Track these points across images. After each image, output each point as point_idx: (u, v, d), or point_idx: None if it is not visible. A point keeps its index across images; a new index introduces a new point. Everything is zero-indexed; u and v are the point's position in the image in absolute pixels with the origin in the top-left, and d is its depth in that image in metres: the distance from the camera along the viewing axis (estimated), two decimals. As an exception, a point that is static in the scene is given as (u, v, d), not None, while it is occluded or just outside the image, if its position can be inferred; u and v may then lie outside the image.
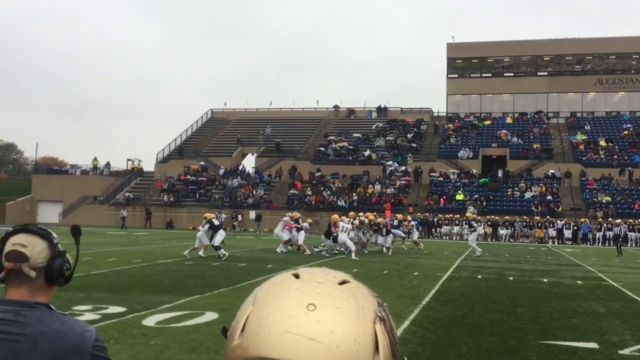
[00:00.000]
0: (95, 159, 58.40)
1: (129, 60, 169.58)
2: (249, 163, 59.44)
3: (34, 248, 2.09)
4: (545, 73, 62.59)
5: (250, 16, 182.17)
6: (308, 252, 24.17)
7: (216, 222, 21.93)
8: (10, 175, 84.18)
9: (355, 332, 0.86)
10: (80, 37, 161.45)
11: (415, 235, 30.71)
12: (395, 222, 30.83)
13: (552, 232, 40.27)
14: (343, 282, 0.93)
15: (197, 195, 51.28)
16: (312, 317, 0.85)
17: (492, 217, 41.91)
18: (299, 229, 25.14)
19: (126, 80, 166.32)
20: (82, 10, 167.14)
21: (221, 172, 54.52)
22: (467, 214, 31.10)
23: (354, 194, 47.66)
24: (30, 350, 1.98)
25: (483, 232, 41.12)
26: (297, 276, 0.93)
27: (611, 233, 37.94)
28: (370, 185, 48.56)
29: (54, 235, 2.17)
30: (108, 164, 59.38)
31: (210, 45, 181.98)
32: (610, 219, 39.78)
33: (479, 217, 38.16)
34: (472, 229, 26.89)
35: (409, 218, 31.50)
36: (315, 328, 0.84)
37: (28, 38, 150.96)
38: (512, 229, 41.15)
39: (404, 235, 29.99)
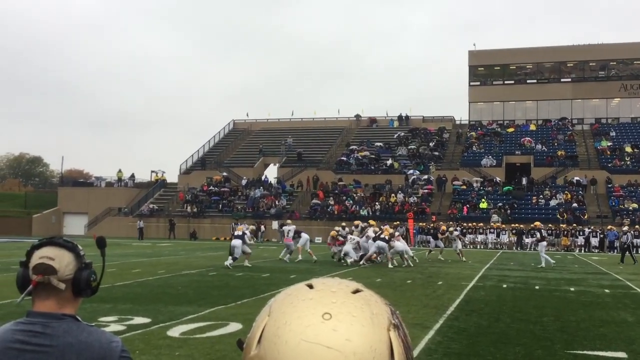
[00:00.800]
0: (119, 171, 59.05)
1: (152, 72, 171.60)
2: (271, 173, 59.73)
3: (62, 260, 2.11)
4: (569, 79, 62.00)
5: (272, 27, 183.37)
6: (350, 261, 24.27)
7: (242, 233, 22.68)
8: (37, 188, 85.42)
9: (370, 339, 0.88)
10: (104, 50, 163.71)
11: (459, 244, 28.66)
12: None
13: (580, 240, 39.73)
14: (356, 291, 0.95)
15: (220, 205, 51.53)
16: (328, 325, 0.87)
17: (517, 225, 41.50)
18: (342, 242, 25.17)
19: (149, 93, 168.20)
20: (105, 24, 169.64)
21: (243, 182, 54.74)
22: (535, 223, 30.03)
23: (376, 203, 47.53)
24: None
25: (508, 240, 40.74)
26: (310, 286, 0.95)
27: (638, 240, 37.36)
28: (393, 194, 48.40)
29: (80, 247, 2.19)
30: (132, 176, 59.99)
31: (232, 56, 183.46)
32: (637, 226, 39.14)
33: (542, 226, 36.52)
34: (540, 239, 26.15)
35: (451, 229, 29.85)
36: (331, 336, 0.86)
37: (52, 52, 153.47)
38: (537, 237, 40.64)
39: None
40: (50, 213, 55.93)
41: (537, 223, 29.31)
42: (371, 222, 27.58)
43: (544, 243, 26.29)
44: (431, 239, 29.30)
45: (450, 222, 34.08)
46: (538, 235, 27.05)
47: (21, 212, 56.64)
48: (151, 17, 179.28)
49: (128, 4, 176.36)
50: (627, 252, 28.70)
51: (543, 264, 24.39)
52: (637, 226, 39.25)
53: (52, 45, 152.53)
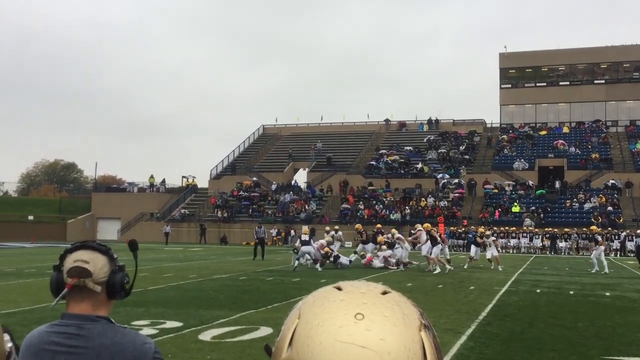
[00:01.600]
0: (151, 176, 59.84)
1: (184, 78, 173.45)
2: (301, 178, 59.85)
3: (96, 264, 2.14)
4: (603, 81, 60.99)
5: (301, 33, 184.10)
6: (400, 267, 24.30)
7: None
8: (71, 194, 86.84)
9: (404, 339, 0.89)
10: (137, 57, 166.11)
11: (494, 252, 25.46)
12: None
13: (615, 245, 39.00)
14: (385, 292, 0.96)
15: (250, 210, 51.79)
16: (361, 325, 0.87)
17: (550, 229, 40.91)
18: (391, 245, 24.83)
19: (181, 99, 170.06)
20: (138, 31, 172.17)
21: (273, 187, 54.96)
22: (592, 227, 28.60)
23: (406, 207, 47.30)
24: None
25: (541, 244, 40.16)
26: (339, 288, 0.96)
27: None
28: (423, 199, 48.11)
29: (113, 250, 2.23)
30: (164, 181, 60.70)
31: (262, 62, 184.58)
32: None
33: (602, 231, 34.99)
34: (597, 245, 24.62)
35: (488, 232, 27.46)
36: (365, 336, 0.86)
37: (86, 59, 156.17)
38: (571, 242, 40.01)
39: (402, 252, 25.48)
40: (84, 218, 56.84)
41: (594, 228, 27.78)
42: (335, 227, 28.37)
43: (602, 247, 24.70)
44: (472, 246, 26.30)
45: (483, 226, 32.77)
46: (593, 242, 25.50)
47: (56, 217, 57.64)
48: (182, 24, 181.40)
49: (160, 11, 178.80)
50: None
51: (605, 269, 23.36)
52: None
53: (87, 53, 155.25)
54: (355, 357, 0.85)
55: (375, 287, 0.97)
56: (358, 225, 29.38)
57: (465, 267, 25.12)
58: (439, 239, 23.46)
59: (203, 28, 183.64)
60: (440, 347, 0.96)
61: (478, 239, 26.07)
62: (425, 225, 24.60)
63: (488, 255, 25.36)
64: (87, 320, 2.11)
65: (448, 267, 23.10)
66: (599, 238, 24.69)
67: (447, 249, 25.79)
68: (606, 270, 23.39)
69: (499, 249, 30.55)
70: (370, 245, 26.02)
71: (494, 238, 26.96)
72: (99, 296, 2.14)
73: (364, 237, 26.84)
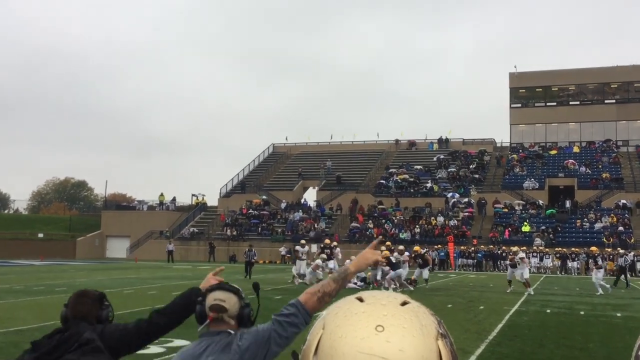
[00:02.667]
0: (161, 194, 59.89)
1: (194, 97, 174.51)
2: (311, 196, 59.85)
3: (230, 302, 2.86)
4: (613, 100, 60.87)
5: (312, 52, 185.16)
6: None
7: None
8: (81, 212, 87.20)
9: (421, 349, 0.95)
10: (147, 76, 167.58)
11: (525, 273, 23.14)
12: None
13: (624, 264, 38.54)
14: (404, 303, 1.03)
15: (260, 229, 51.77)
16: (381, 337, 0.94)
17: (561, 248, 40.61)
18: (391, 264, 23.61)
19: (191, 118, 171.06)
20: (148, 50, 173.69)
21: (283, 205, 54.97)
22: (592, 248, 28.19)
23: (416, 227, 47.15)
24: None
25: (551, 264, 39.85)
26: (361, 299, 1.02)
27: None
28: (433, 218, 47.96)
29: (241, 290, 2.95)
30: (174, 200, 60.80)
31: (272, 81, 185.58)
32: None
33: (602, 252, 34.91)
34: (598, 267, 24.75)
35: (514, 249, 25.88)
36: (386, 347, 0.93)
37: (96, 78, 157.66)
38: (580, 262, 39.63)
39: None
40: (93, 236, 56.96)
41: (594, 248, 27.43)
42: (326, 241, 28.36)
43: (602, 271, 24.62)
44: (509, 267, 24.55)
45: (517, 247, 28.93)
46: (592, 263, 25.42)
47: (66, 235, 57.82)
48: (190, 44, 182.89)
49: (170, 31, 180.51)
50: (623, 276, 27.78)
51: (599, 291, 23.21)
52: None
53: (99, 72, 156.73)
54: None
55: (395, 297, 1.04)
56: (327, 240, 30.14)
57: (507, 291, 23.23)
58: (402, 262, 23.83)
59: (213, 48, 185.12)
60: (457, 354, 1.02)
61: (510, 258, 24.74)
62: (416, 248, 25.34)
63: (518, 276, 23.25)
64: (216, 334, 2.82)
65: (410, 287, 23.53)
66: (599, 261, 24.41)
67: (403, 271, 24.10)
68: (600, 291, 23.12)
69: (531, 268, 28.24)
70: (332, 262, 26.03)
71: (522, 255, 24.44)
72: (232, 325, 2.85)
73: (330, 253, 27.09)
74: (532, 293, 22.38)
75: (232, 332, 2.81)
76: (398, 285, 23.49)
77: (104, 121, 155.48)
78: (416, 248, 26.91)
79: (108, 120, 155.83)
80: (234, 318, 2.85)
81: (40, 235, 54.96)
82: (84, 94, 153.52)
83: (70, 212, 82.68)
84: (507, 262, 26.06)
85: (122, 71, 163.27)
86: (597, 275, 24.15)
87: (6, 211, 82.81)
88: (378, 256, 2.96)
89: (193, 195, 62.36)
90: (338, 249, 29.13)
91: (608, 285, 24.17)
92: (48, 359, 3.13)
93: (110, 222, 57.42)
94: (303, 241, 27.67)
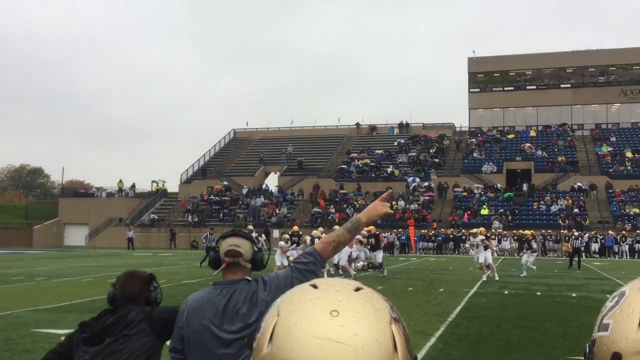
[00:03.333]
0: (120, 181, 58.98)
1: (152, 83, 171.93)
2: (272, 182, 59.71)
3: (244, 247, 2.99)
4: (569, 85, 62.09)
5: (272, 37, 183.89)
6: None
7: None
8: (38, 199, 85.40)
9: (375, 333, 0.96)
10: (104, 61, 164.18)
11: (488, 256, 21.95)
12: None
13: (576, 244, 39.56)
14: (358, 289, 1.03)
15: (221, 215, 51.51)
16: (336, 322, 0.95)
17: (518, 231, 41.41)
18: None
19: (149, 103, 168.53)
20: (105, 36, 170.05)
21: (244, 191, 54.75)
22: (525, 231, 27.86)
23: (377, 211, 47.43)
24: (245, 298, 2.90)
25: (509, 247, 40.61)
26: (314, 286, 1.03)
27: (597, 245, 38.06)
28: (394, 202, 48.38)
29: (253, 237, 3.08)
30: (133, 186, 59.96)
31: (233, 66, 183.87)
32: (638, 230, 39.07)
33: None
34: (533, 250, 24.92)
35: (474, 230, 23.98)
36: (340, 332, 0.94)
37: (53, 64, 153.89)
38: (537, 243, 40.45)
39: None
40: (51, 224, 55.89)
41: (527, 232, 27.12)
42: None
43: (535, 255, 24.88)
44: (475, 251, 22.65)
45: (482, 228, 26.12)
46: (533, 245, 25.06)
47: (22, 223, 56.62)
48: (150, 29, 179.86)
49: (127, 16, 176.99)
50: (576, 257, 28.20)
51: (524, 272, 22.94)
52: (638, 231, 39.21)
53: (52, 58, 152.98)
54: (331, 352, 0.92)
55: (349, 284, 1.04)
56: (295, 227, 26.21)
57: (484, 278, 21.25)
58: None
59: (172, 32, 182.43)
60: (409, 338, 1.03)
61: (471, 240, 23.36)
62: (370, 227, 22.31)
63: (481, 259, 21.80)
64: (235, 283, 2.94)
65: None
66: (534, 244, 24.06)
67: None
68: (525, 274, 22.79)
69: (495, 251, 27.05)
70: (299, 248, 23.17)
71: (482, 237, 22.59)
72: (246, 269, 2.98)
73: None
74: (497, 278, 20.99)
75: (250, 279, 2.94)
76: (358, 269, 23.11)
77: (61, 107, 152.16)
78: (370, 227, 22.92)
79: (65, 106, 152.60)
80: (249, 262, 2.98)
81: (-5, 223, 53.67)
82: (41, 79, 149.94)
83: (27, 200, 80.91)
84: (467, 245, 25.90)
85: (79, 56, 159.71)
86: (529, 259, 24.34)
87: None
88: (387, 208, 3.15)
89: (153, 181, 61.65)
90: (307, 236, 27.30)
91: (534, 267, 24.61)
92: (96, 340, 3.17)
93: (68, 209, 56.38)
94: (286, 236, 24.40)
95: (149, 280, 3.56)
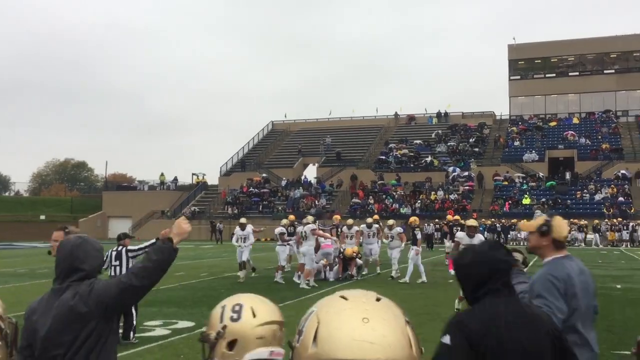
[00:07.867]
0: (162, 174, 59.89)
1: (193, 77, 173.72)
2: (311, 173, 59.88)
3: None
4: (613, 71, 60.60)
5: (311, 27, 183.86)
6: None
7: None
8: (82, 193, 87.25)
9: (398, 334, 1.26)
10: (147, 55, 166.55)
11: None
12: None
13: (625, 235, 38.84)
14: (378, 299, 1.33)
15: (261, 207, 51.89)
16: (368, 326, 1.24)
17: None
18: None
19: (190, 97, 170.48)
20: (150, 29, 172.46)
21: (283, 183, 55.03)
22: (411, 219, 19.10)
23: (417, 201, 47.25)
24: None
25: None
26: (344, 298, 1.32)
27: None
28: (433, 192, 48.05)
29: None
30: (175, 179, 60.81)
31: (272, 58, 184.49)
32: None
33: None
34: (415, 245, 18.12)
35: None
36: (372, 334, 1.23)
37: (98, 58, 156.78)
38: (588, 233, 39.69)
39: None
40: (95, 217, 57.09)
41: (412, 220, 19.07)
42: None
43: (419, 249, 18.14)
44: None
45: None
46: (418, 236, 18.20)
47: (67, 216, 57.96)
48: (190, 22, 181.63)
49: (172, 10, 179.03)
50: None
51: (407, 277, 17.74)
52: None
53: (98, 53, 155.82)
54: (367, 350, 1.21)
55: (371, 295, 1.34)
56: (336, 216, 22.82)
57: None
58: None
59: (212, 27, 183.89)
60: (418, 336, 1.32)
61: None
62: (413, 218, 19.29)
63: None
64: None
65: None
66: (418, 235, 18.12)
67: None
68: (406, 279, 17.46)
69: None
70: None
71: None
72: None
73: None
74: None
75: None
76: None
77: (104, 102, 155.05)
78: (412, 219, 19.30)
79: (108, 101, 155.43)
80: None
81: (42, 217, 55.09)
82: (83, 75, 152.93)
83: (71, 194, 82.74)
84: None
85: (121, 51, 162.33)
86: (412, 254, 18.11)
87: (7, 193, 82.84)
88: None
89: (193, 174, 62.45)
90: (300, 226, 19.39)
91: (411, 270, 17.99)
92: None
93: (112, 202, 57.51)
94: (285, 221, 20.93)
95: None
